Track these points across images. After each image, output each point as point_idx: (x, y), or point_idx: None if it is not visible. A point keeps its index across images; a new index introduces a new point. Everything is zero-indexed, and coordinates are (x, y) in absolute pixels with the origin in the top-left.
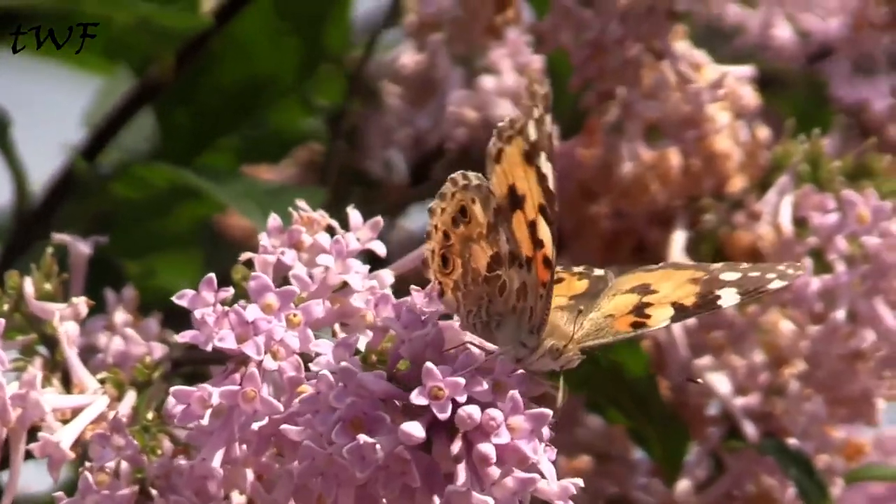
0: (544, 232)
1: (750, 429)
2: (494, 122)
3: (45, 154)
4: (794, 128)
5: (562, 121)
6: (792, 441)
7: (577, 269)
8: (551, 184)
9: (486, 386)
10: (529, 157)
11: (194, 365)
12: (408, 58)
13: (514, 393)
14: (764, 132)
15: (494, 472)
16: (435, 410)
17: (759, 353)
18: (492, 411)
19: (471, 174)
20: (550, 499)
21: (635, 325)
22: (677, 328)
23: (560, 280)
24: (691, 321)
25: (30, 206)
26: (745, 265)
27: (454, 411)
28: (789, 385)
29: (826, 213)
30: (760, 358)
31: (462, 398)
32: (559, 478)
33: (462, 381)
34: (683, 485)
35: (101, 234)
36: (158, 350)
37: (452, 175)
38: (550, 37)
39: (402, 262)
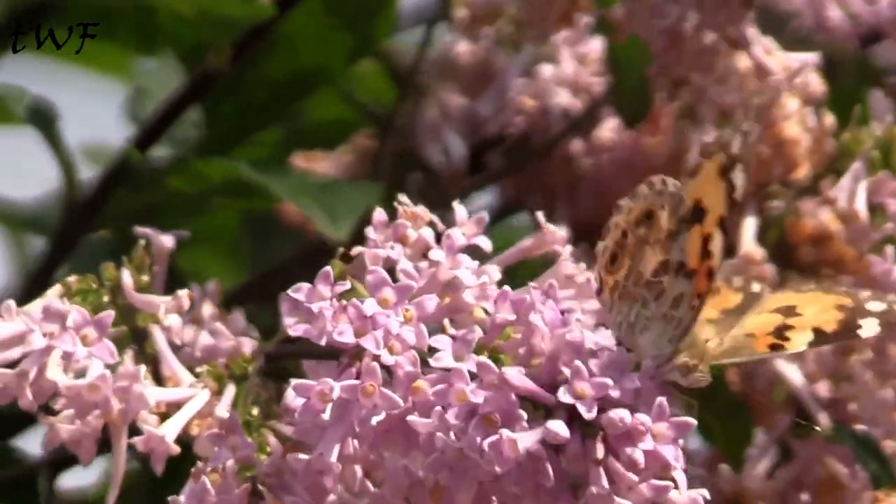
0: (717, 244)
1: (822, 416)
2: (552, 109)
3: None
4: (842, 113)
5: (625, 110)
6: (859, 427)
7: (736, 283)
8: (738, 194)
9: (632, 388)
10: (725, 170)
11: (287, 360)
12: (463, 48)
13: (662, 400)
14: (830, 119)
15: (633, 477)
16: (582, 410)
17: None
18: (641, 416)
19: (669, 181)
20: None
21: (773, 347)
22: None
23: (716, 292)
24: None
25: (78, 198)
26: (892, 297)
27: (598, 413)
28: (856, 371)
29: None
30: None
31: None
32: None
33: (610, 382)
34: (753, 470)
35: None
36: (248, 344)
37: (651, 178)
38: (625, 25)
39: (506, 256)
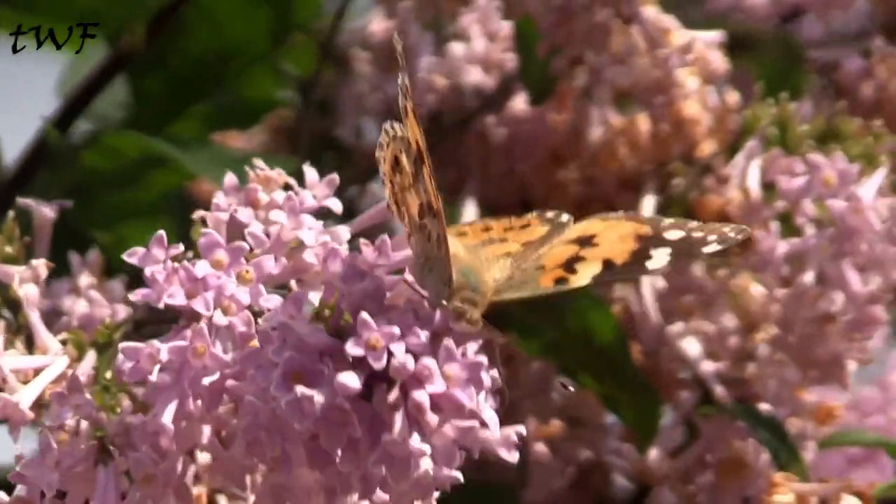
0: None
1: (721, 393)
2: (464, 88)
3: (18, 127)
4: (767, 90)
5: (531, 86)
6: (764, 406)
7: (549, 215)
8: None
9: (422, 336)
10: (416, 114)
11: (157, 325)
12: (377, 25)
13: (448, 342)
14: (734, 97)
15: (433, 420)
16: (370, 360)
17: (730, 317)
18: (426, 360)
19: (396, 125)
20: (493, 447)
21: (558, 281)
22: (648, 292)
23: (526, 225)
24: (661, 284)
25: (3, 177)
26: (694, 224)
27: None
28: (760, 349)
29: (794, 177)
30: (731, 322)
31: (399, 348)
32: (531, 442)
33: (396, 330)
34: (656, 450)
35: (74, 205)
36: (122, 312)
37: (384, 125)
38: (518, 3)
39: (361, 219)
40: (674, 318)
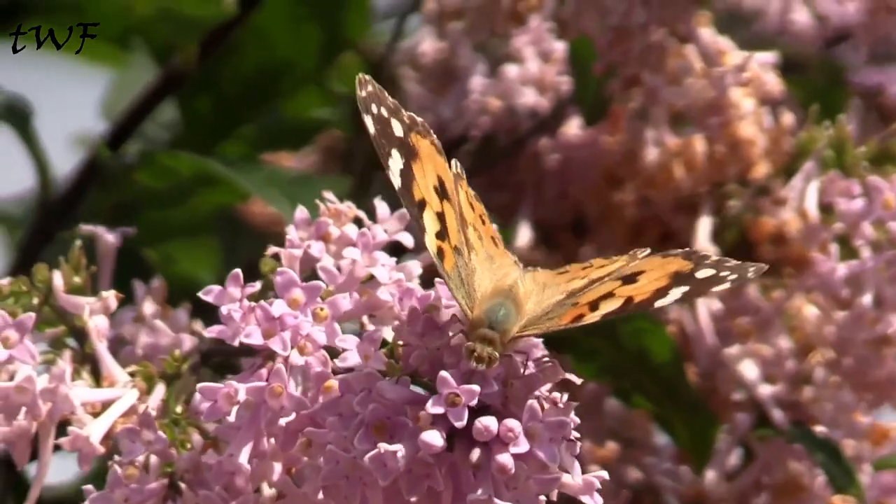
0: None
1: (778, 416)
2: (518, 109)
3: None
4: (817, 113)
5: (585, 108)
6: (820, 428)
7: (637, 252)
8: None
9: (495, 385)
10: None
11: (224, 357)
12: (428, 45)
13: (532, 403)
14: (788, 118)
15: (520, 474)
16: (452, 419)
17: (786, 339)
18: (509, 422)
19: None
20: (575, 494)
21: (575, 319)
22: (704, 314)
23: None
24: (717, 306)
25: (53, 196)
26: (729, 263)
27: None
28: (816, 372)
29: (852, 199)
30: (787, 345)
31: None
32: (585, 464)
33: (477, 388)
34: (712, 473)
35: (122, 223)
36: (188, 341)
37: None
38: (573, 23)
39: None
40: (730, 340)
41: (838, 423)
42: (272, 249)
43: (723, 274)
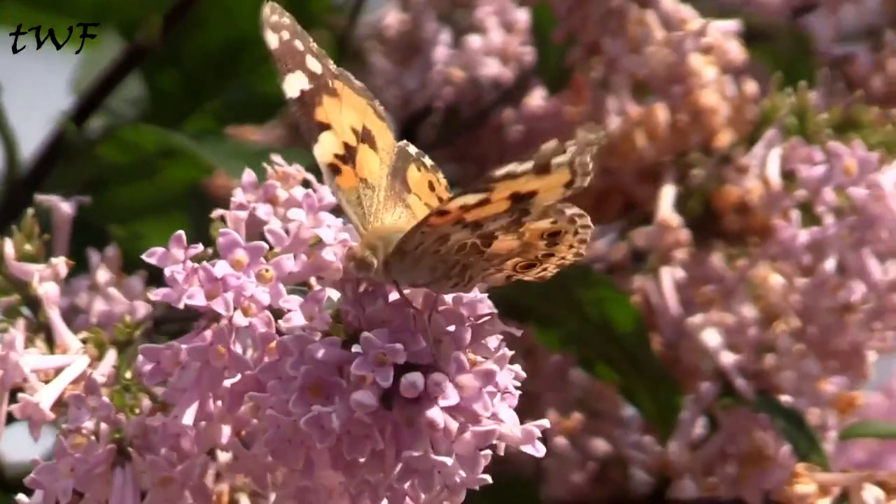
0: None
1: (742, 385)
2: (481, 80)
3: (33, 122)
4: (781, 81)
5: (548, 78)
6: (785, 398)
7: None
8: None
9: (422, 342)
10: (569, 184)
11: (177, 323)
12: (392, 18)
13: (459, 355)
14: (751, 86)
15: (453, 427)
16: (378, 380)
17: (750, 307)
18: (436, 376)
19: None
20: (516, 445)
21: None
22: (668, 283)
23: None
24: (681, 274)
25: (20, 171)
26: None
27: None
28: (780, 341)
29: (813, 166)
30: (752, 313)
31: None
32: (551, 436)
33: (401, 347)
34: (677, 443)
35: (92, 199)
36: (142, 309)
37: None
38: None
39: None
40: (694, 309)
41: (802, 392)
42: (218, 212)
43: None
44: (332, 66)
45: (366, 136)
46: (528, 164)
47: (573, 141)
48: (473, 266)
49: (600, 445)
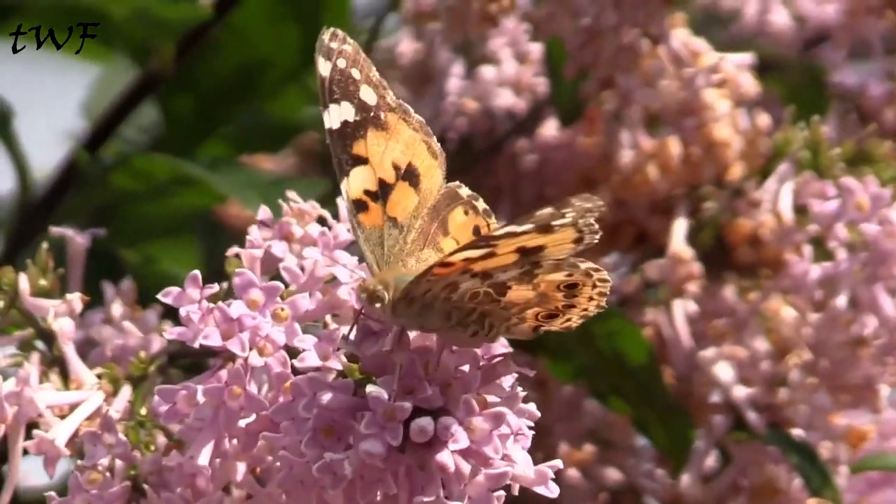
0: None
1: (754, 419)
2: (494, 111)
3: (43, 142)
4: (794, 114)
5: (562, 109)
6: (797, 431)
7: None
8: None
9: (429, 390)
10: (577, 241)
11: (193, 358)
12: (406, 46)
13: (467, 398)
14: (764, 119)
15: (464, 470)
16: (388, 438)
17: (763, 341)
18: (444, 420)
19: None
20: (529, 486)
21: (442, 265)
22: (680, 316)
23: None
24: (693, 307)
25: (33, 197)
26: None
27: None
28: (792, 374)
29: (826, 201)
30: (763, 346)
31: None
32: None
33: (409, 406)
34: (689, 475)
35: (103, 224)
36: (156, 342)
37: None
38: (546, 24)
39: None
40: (706, 342)
41: (814, 426)
42: (233, 250)
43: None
44: (392, 97)
45: (408, 174)
46: (528, 226)
47: (570, 207)
48: (492, 315)
49: (613, 475)
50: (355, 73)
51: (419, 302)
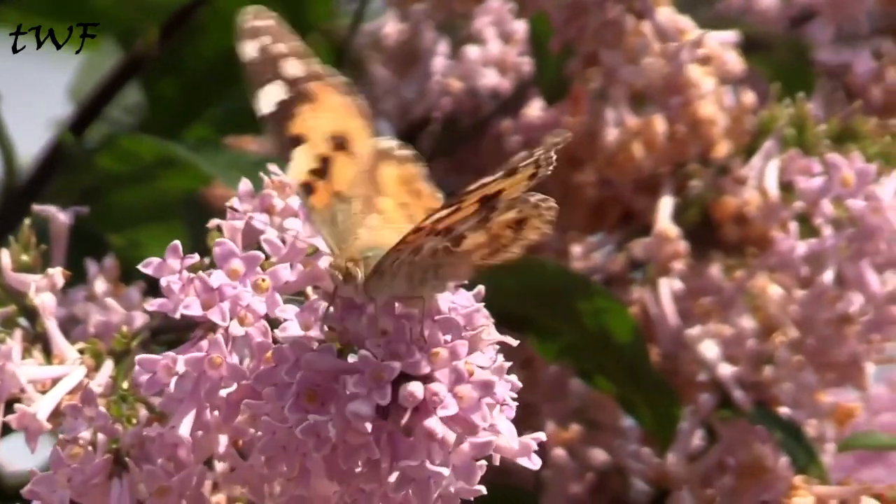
0: None
1: (740, 397)
2: (479, 91)
3: (31, 128)
4: (779, 91)
5: (546, 88)
6: (783, 409)
7: None
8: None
9: (418, 356)
10: (532, 177)
11: (176, 333)
12: (391, 27)
13: (457, 365)
14: (749, 97)
15: (450, 438)
16: (376, 399)
17: (749, 319)
18: (434, 386)
19: None
20: (513, 457)
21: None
22: (666, 294)
23: None
24: (679, 286)
25: (19, 181)
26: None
27: (396, 389)
28: (778, 352)
29: (811, 177)
30: (750, 324)
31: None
32: (549, 446)
33: (397, 365)
34: (675, 454)
35: (89, 208)
36: (139, 319)
37: None
38: (530, 1)
39: None
40: (691, 321)
41: (800, 404)
42: (214, 222)
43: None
44: (317, 65)
45: (342, 142)
46: (499, 174)
47: (540, 146)
48: (445, 265)
49: (599, 456)
50: (281, 48)
51: (389, 273)
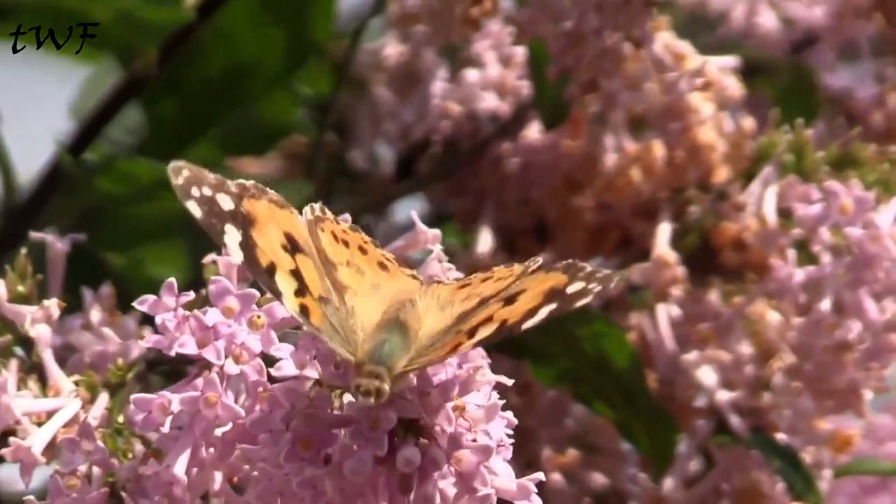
0: None
1: (737, 423)
2: (479, 114)
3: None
4: (779, 116)
5: (545, 112)
6: (780, 435)
7: (529, 264)
8: None
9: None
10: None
11: (172, 365)
12: (392, 49)
13: (453, 434)
14: (749, 122)
15: (450, 494)
16: (374, 450)
17: (747, 345)
18: (433, 451)
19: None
20: (511, 499)
21: (453, 349)
22: (663, 320)
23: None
24: (677, 311)
25: (18, 201)
26: (599, 274)
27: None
28: (775, 378)
29: (810, 204)
30: (747, 350)
31: None
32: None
33: (393, 416)
34: (672, 479)
35: (89, 228)
36: (135, 349)
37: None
38: (528, 27)
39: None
40: (689, 346)
41: (797, 430)
42: (210, 257)
43: (590, 286)
44: (237, 184)
45: (293, 245)
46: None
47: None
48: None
49: (597, 480)
50: (207, 191)
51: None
